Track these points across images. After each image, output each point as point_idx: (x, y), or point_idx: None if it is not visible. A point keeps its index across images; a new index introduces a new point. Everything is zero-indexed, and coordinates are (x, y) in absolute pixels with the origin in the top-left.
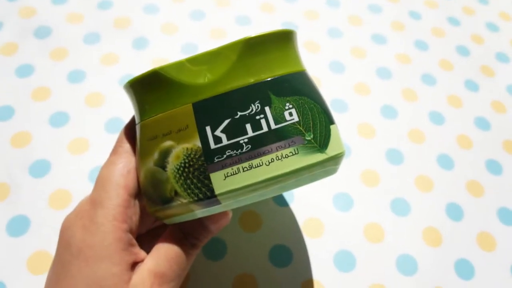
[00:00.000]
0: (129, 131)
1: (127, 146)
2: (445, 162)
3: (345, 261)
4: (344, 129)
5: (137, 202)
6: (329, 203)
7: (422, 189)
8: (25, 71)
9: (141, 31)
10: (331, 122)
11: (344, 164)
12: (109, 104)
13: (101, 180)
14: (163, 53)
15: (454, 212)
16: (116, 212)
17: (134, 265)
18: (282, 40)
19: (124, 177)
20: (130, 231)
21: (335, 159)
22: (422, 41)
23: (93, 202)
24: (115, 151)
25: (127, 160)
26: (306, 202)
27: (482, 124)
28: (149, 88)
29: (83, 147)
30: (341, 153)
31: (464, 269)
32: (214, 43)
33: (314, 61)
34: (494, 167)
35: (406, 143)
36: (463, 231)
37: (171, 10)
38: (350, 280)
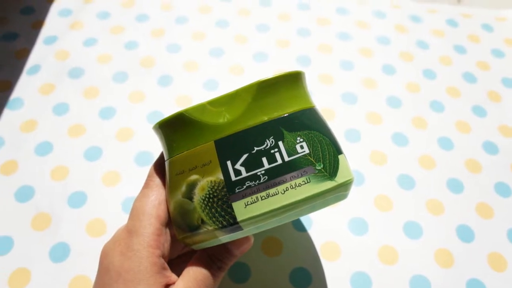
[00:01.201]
0: (159, 166)
1: (157, 180)
2: (455, 186)
3: (361, 283)
4: (357, 157)
5: (168, 230)
6: (345, 227)
7: (433, 213)
8: (61, 109)
9: (165, 69)
10: (339, 152)
11: (358, 190)
12: (138, 139)
13: (136, 211)
14: (186, 89)
15: (465, 234)
16: (150, 240)
17: (167, 286)
18: (292, 80)
19: (156, 208)
20: (163, 256)
21: (345, 186)
22: (430, 70)
23: (129, 231)
24: (146, 185)
25: (158, 193)
26: (323, 227)
27: (490, 148)
28: (175, 128)
29: (116, 179)
30: (349, 180)
31: None
32: (233, 79)
33: (328, 93)
34: (503, 189)
35: (417, 169)
36: (474, 252)
37: (192, 48)
38: None
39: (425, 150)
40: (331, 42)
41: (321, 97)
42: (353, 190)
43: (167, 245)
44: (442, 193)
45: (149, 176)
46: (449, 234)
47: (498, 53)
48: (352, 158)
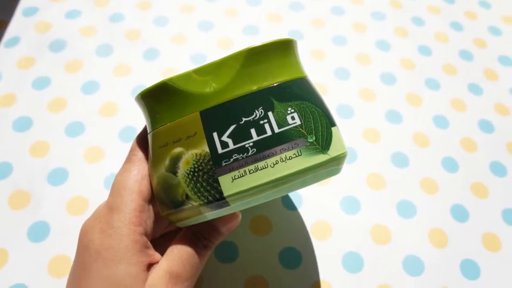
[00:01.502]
0: (141, 140)
1: (140, 154)
2: (450, 164)
3: (353, 262)
4: (350, 134)
5: (151, 207)
6: (336, 206)
7: (427, 191)
8: (41, 83)
9: (152, 43)
10: (332, 124)
11: (350, 168)
12: (122, 114)
13: (117, 187)
14: (173, 63)
15: (459, 213)
16: (132, 216)
17: (149, 266)
18: (283, 48)
19: (138, 183)
20: (145, 234)
21: (338, 160)
22: (425, 47)
23: (110, 207)
24: (128, 159)
25: (140, 167)
26: (314, 206)
27: (486, 126)
28: (159, 99)
29: (98, 156)
30: (343, 153)
31: (470, 269)
32: (222, 53)
33: (320, 68)
34: (498, 168)
35: (411, 147)
36: (468, 232)
37: (180, 21)
38: (358, 281)
39: (419, 128)
40: (324, 17)
41: (314, 72)
42: (345, 168)
43: (149, 222)
44: (437, 171)
45: (131, 150)
46: (443, 214)
47: (495, 31)
48: (345, 135)
